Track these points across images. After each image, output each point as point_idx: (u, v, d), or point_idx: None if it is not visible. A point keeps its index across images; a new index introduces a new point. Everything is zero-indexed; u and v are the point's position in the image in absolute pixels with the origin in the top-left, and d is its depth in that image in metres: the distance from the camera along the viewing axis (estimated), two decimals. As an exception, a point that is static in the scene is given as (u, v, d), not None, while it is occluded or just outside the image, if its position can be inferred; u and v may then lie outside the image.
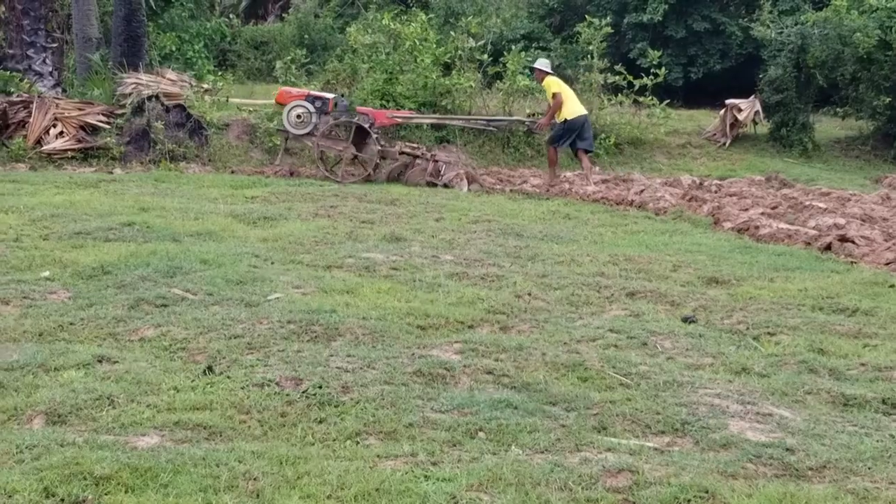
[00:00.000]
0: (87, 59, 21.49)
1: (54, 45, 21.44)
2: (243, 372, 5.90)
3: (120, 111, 17.75)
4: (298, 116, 16.34)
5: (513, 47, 21.82)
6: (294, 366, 5.98)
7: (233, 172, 16.57)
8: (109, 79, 19.24)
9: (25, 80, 19.51)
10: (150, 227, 10.31)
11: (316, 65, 22.11)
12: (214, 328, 6.83)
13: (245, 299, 7.57)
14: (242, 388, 5.62)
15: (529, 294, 8.23)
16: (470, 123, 18.37)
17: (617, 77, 20.42)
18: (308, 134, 16.45)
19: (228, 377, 5.81)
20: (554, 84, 16.44)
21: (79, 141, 17.16)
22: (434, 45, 19.68)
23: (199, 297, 7.66)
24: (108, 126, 17.51)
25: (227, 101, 19.95)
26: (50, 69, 20.98)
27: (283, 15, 36.78)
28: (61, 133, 17.11)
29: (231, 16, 33.00)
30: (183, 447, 4.77)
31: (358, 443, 4.98)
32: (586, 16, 22.38)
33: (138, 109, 17.50)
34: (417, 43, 19.48)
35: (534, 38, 30.07)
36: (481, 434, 5.11)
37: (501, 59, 20.30)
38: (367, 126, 16.14)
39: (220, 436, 5.02)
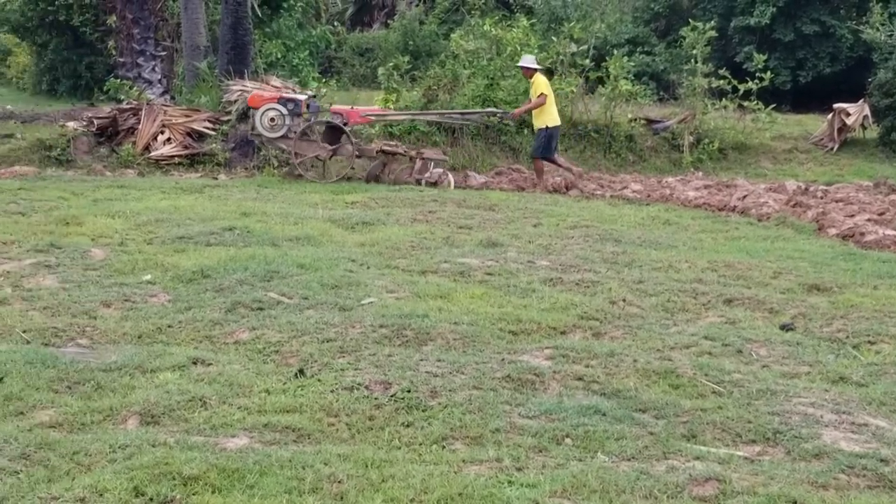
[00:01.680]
0: (194, 66, 21.93)
1: (163, 53, 21.93)
2: (334, 375, 5.95)
3: (225, 118, 18.06)
4: (272, 119, 16.24)
5: (616, 52, 21.66)
6: (384, 370, 6.01)
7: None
8: (216, 86, 19.59)
9: (135, 88, 19.98)
10: (250, 232, 10.46)
11: (420, 71, 22.18)
12: (308, 332, 6.90)
13: (339, 303, 7.64)
14: (332, 391, 5.67)
15: (624, 300, 8.16)
16: (444, 118, 18.16)
17: (721, 81, 20.12)
18: (282, 137, 16.35)
19: (319, 380, 5.87)
20: (543, 84, 16.53)
21: (185, 147, 17.50)
22: (536, 51, 19.61)
23: (294, 300, 7.75)
24: (213, 132, 17.82)
25: (331, 107, 20.11)
26: (159, 77, 21.48)
27: (389, 22, 37.07)
28: (169, 139, 17.47)
29: (337, 23, 33.36)
30: (271, 449, 4.83)
31: (444, 447, 4.99)
32: (691, 20, 22.11)
33: (243, 116, 17.76)
34: (519, 48, 19.42)
35: (638, 43, 29.86)
36: (568, 440, 5.08)
37: (604, 63, 20.14)
38: (341, 125, 16.18)
39: (308, 438, 5.07)
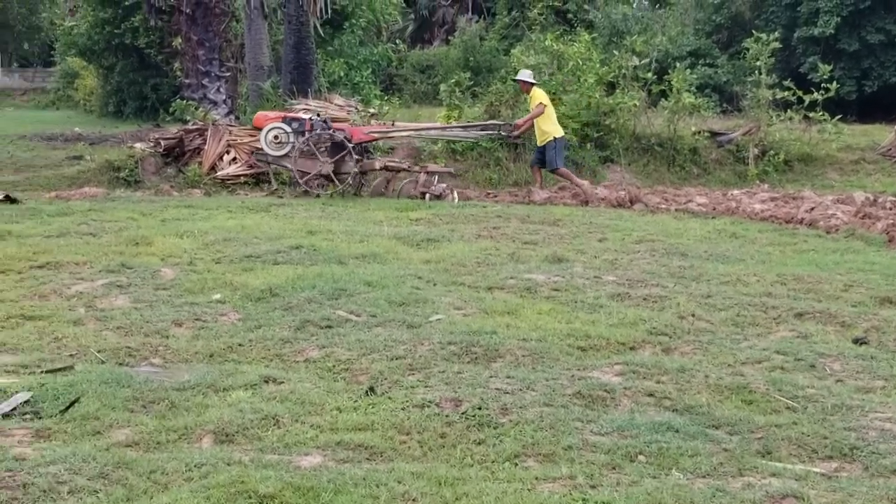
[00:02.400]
0: (258, 86, 22.18)
1: (227, 74, 22.17)
2: (404, 393, 5.96)
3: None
4: (276, 138, 16.34)
5: (678, 65, 21.56)
6: (454, 387, 6.02)
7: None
8: (280, 105, 19.77)
9: (200, 109, 20.20)
10: (316, 250, 10.53)
11: (480, 87, 22.25)
12: (377, 349, 6.93)
13: (407, 321, 7.66)
14: (403, 408, 5.69)
15: (693, 315, 8.09)
16: (447, 134, 18.13)
17: (786, 93, 19.93)
18: (286, 155, 16.45)
19: (390, 398, 5.89)
20: (541, 95, 16.79)
21: (250, 167, 17.67)
22: (597, 65, 19.58)
23: (362, 318, 7.78)
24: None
25: (393, 124, 20.22)
26: (224, 97, 21.69)
27: (449, 38, 37.23)
28: (234, 159, 17.65)
29: (398, 41, 33.54)
30: (344, 467, 4.85)
31: (516, 465, 4.98)
32: (754, 31, 21.95)
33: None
34: (581, 63, 19.41)
35: (700, 55, 29.71)
36: (641, 457, 5.05)
37: (666, 76, 20.05)
38: (345, 142, 16.25)
39: (381, 456, 5.08)
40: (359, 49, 26.86)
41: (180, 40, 23.67)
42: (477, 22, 38.43)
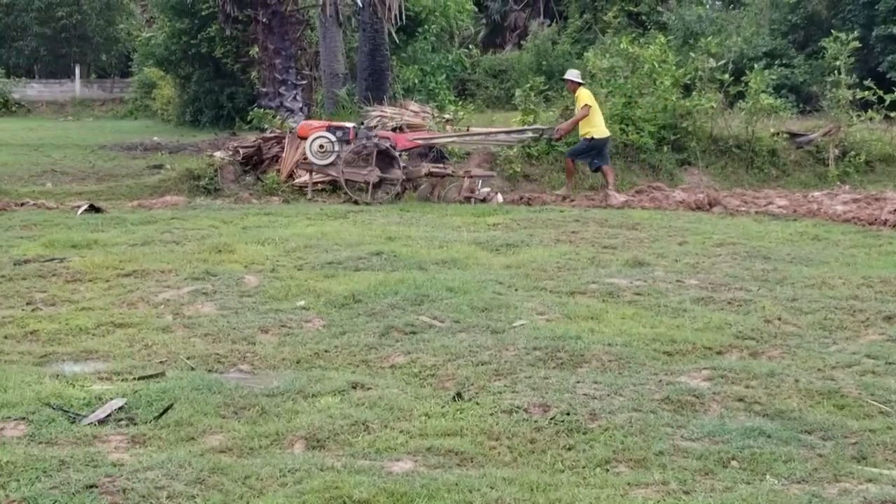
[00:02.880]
0: (334, 94, 22.34)
1: (303, 82, 22.37)
2: (492, 398, 5.98)
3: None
4: (321, 147, 16.37)
5: (755, 65, 21.34)
6: (541, 392, 6.01)
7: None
8: (355, 112, 19.93)
9: (278, 117, 20.43)
10: (397, 256, 10.58)
11: (553, 91, 22.21)
12: (462, 355, 6.95)
13: (490, 326, 7.67)
14: (491, 414, 5.70)
15: (779, 318, 8.01)
16: (489, 140, 18.06)
17: (866, 92, 19.62)
18: (331, 164, 16.50)
19: (477, 403, 5.90)
20: (587, 97, 16.77)
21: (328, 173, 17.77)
22: (673, 67, 19.45)
23: (446, 324, 7.81)
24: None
25: (468, 129, 20.27)
26: (300, 105, 21.91)
27: (521, 43, 37.22)
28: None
29: (471, 46, 33.58)
30: (436, 472, 4.87)
31: (608, 470, 4.97)
32: (832, 30, 21.66)
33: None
34: (656, 65, 19.29)
35: (776, 55, 29.37)
36: (734, 463, 5.01)
37: (743, 78, 19.85)
38: (390, 149, 16.29)
39: (472, 461, 5.10)
40: (432, 55, 26.95)
41: (257, 49, 23.95)
42: (549, 26, 38.33)
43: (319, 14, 22.63)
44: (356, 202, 16.06)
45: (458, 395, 6.07)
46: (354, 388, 6.28)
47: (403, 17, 21.72)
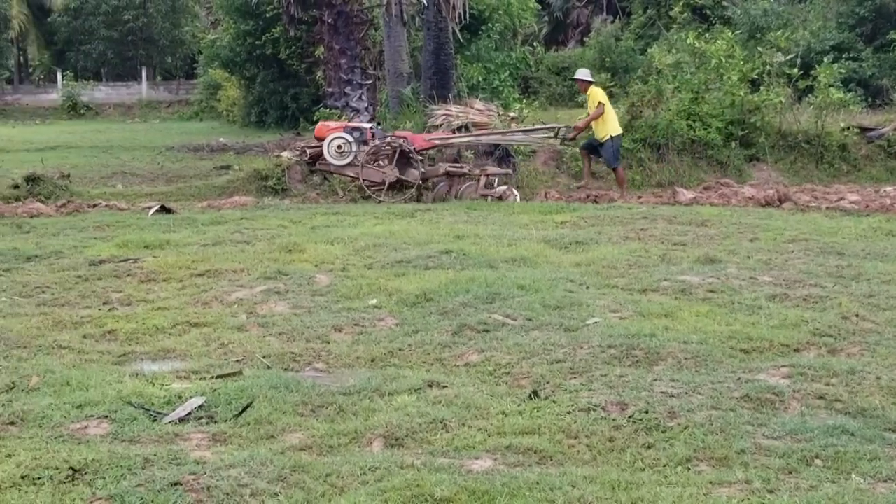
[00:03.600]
0: (398, 93, 22.38)
1: (368, 81, 22.45)
2: (568, 397, 5.95)
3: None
4: (339, 147, 16.37)
5: (823, 59, 21.07)
6: (618, 390, 5.98)
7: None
8: (420, 111, 19.95)
9: (343, 117, 20.50)
10: (466, 255, 10.58)
11: (617, 87, 22.10)
12: (536, 353, 6.93)
13: (564, 324, 7.64)
14: (569, 412, 5.67)
15: (856, 315, 7.89)
16: (507, 139, 17.95)
17: (939, 84, 19.33)
18: (349, 164, 16.48)
19: (554, 402, 5.88)
20: (600, 95, 16.90)
21: (394, 172, 17.83)
22: (741, 62, 19.26)
23: (518, 322, 7.80)
24: (420, 157, 18.09)
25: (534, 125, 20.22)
26: (365, 105, 21.97)
27: (584, 40, 37.06)
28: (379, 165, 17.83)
29: (534, 44, 33.50)
30: (516, 471, 4.86)
31: (689, 469, 4.93)
32: (902, 22, 21.34)
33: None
34: (723, 60, 19.13)
35: (844, 49, 28.96)
36: (818, 461, 4.94)
37: (811, 72, 19.61)
38: (407, 149, 16.31)
39: (551, 460, 5.08)
40: (496, 53, 26.92)
41: (322, 50, 24.06)
42: (612, 22, 38.17)
43: (384, 14, 22.68)
44: (373, 199, 16.12)
45: (535, 393, 6.05)
46: (430, 386, 6.29)
47: (467, 16, 21.72)
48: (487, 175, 16.71)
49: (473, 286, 8.84)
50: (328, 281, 9.56)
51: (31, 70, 58.81)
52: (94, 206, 16.25)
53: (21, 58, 57.66)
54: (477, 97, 20.90)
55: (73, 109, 46.19)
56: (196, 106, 45.23)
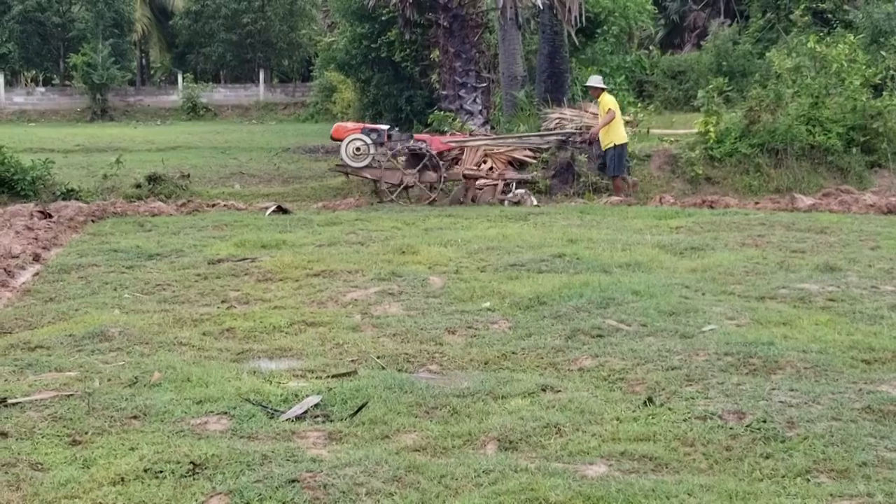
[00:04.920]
0: (512, 96, 22.38)
1: (483, 84, 22.45)
2: (684, 404, 5.88)
3: (545, 146, 18.30)
4: (357, 150, 16.30)
5: (950, 64, 20.47)
6: (735, 399, 5.89)
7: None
8: (534, 115, 19.94)
9: (457, 119, 20.58)
10: (579, 259, 10.54)
11: (734, 91, 21.78)
12: (651, 359, 6.87)
13: (679, 330, 7.56)
14: (685, 420, 5.61)
15: None
16: (523, 143, 17.66)
17: None
18: (367, 166, 16.38)
19: (670, 409, 5.82)
20: (611, 101, 17.00)
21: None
22: (863, 66, 18.82)
23: (633, 327, 7.73)
24: (534, 161, 18.10)
25: (648, 132, 20.06)
26: (479, 108, 21.98)
27: (700, 43, 36.61)
28: (491, 168, 17.87)
29: (650, 47, 33.20)
30: (631, 478, 4.82)
31: (808, 480, 4.83)
32: None
33: (563, 143, 17.96)
34: (845, 64, 18.72)
35: (972, 52, 28.09)
36: (944, 477, 4.81)
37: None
38: (424, 152, 16.30)
39: (666, 468, 5.03)
40: (611, 57, 26.75)
41: (437, 53, 24.16)
42: (729, 25, 37.59)
43: (499, 17, 22.66)
44: (382, 201, 16.15)
45: (650, 399, 6.00)
46: (544, 390, 6.28)
47: (583, 19, 21.62)
48: (506, 180, 16.75)
49: (587, 290, 8.80)
50: (441, 283, 9.61)
51: (152, 72, 60.20)
52: (213, 205, 16.58)
53: (143, 60, 59.02)
54: (591, 101, 20.79)
55: (193, 111, 47.15)
56: (311, 108, 45.76)
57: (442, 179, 16.55)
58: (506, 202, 16.39)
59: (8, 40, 48.11)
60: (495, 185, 16.72)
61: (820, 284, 9.21)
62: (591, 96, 18.42)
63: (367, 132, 16.77)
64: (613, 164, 16.95)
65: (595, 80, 17.47)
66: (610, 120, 16.78)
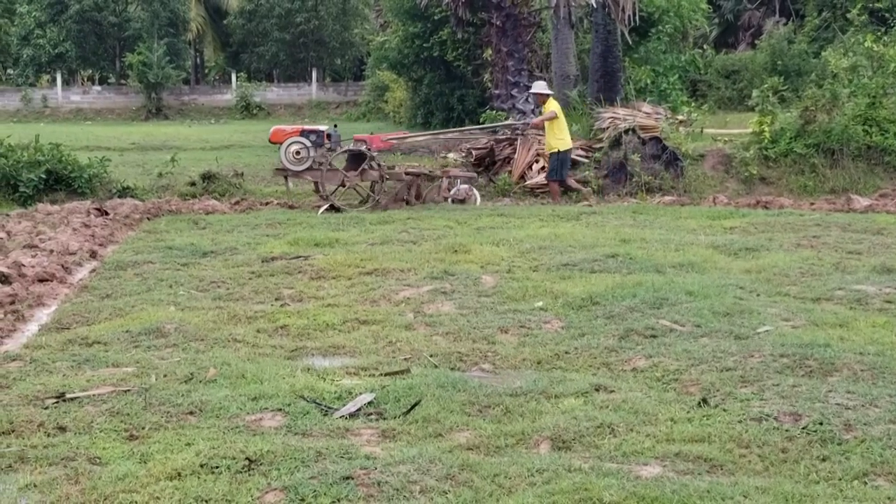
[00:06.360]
0: (565, 95, 22.32)
1: (535, 84, 22.42)
2: (739, 405, 5.84)
3: (597, 145, 18.25)
4: (297, 153, 16.06)
5: None
6: (791, 401, 5.84)
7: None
8: (587, 114, 19.86)
9: (510, 119, 20.57)
10: (632, 259, 10.49)
11: (789, 91, 21.57)
12: (705, 360, 6.83)
13: (733, 331, 7.51)
14: (740, 421, 5.57)
15: None
16: (465, 135, 17.45)
17: None
18: (308, 169, 16.19)
19: (724, 410, 5.78)
20: (555, 106, 16.94)
21: (559, 175, 17.79)
22: (920, 67, 18.59)
23: (686, 328, 7.69)
24: (586, 160, 18.04)
25: (702, 131, 19.93)
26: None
27: (755, 42, 36.31)
28: (543, 168, 17.84)
29: (704, 46, 32.98)
30: (686, 479, 4.80)
31: (866, 483, 4.78)
32: None
33: (615, 143, 17.90)
34: (904, 64, 18.49)
35: None
36: None
37: None
38: (365, 152, 16.13)
39: (721, 469, 5.00)
40: (665, 56, 26.59)
41: (489, 52, 24.18)
42: (785, 24, 37.24)
43: (552, 16, 22.66)
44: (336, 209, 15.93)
45: (704, 400, 5.96)
46: (597, 390, 6.26)
47: (636, 18, 21.52)
48: (450, 177, 16.79)
49: (640, 290, 8.76)
50: (494, 282, 9.61)
51: (206, 71, 60.59)
52: (266, 203, 16.70)
53: (198, 59, 59.47)
54: (644, 100, 20.71)
55: (246, 109, 47.41)
56: (363, 107, 45.87)
57: (383, 179, 16.33)
58: (449, 199, 16.39)
59: (65, 40, 48.61)
60: (440, 184, 16.63)
61: (877, 286, 9.11)
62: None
63: (307, 134, 16.57)
64: (553, 169, 16.98)
65: (540, 87, 17.45)
66: (549, 118, 16.79)
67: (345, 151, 16.45)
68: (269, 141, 17.36)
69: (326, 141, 16.51)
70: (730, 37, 43.82)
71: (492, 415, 5.87)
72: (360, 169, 16.21)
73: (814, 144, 17.59)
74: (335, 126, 17.71)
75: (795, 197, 16.96)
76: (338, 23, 51.12)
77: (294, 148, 16.32)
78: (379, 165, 16.40)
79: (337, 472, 4.77)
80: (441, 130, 18.36)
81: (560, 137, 16.87)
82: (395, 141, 17.88)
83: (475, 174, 17.69)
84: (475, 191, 16.86)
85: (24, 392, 6.18)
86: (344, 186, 16.45)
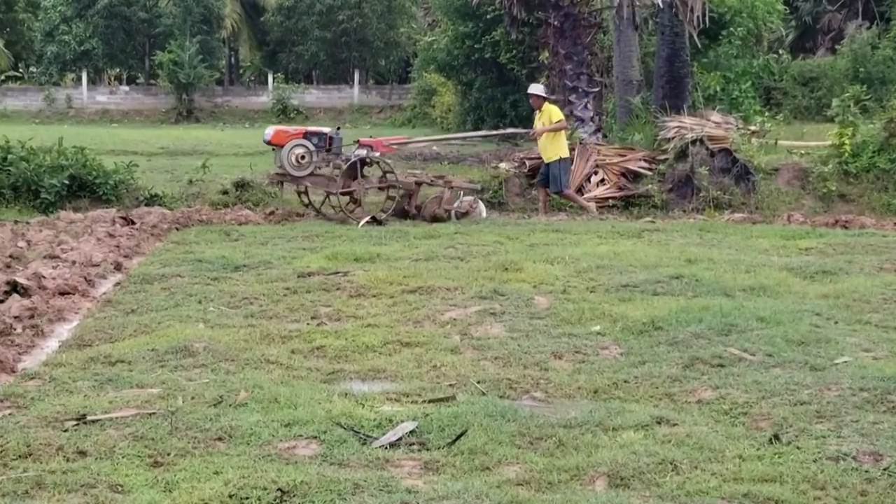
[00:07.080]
0: (627, 102, 22.29)
1: (595, 89, 22.42)
2: (814, 443, 5.79)
3: (662, 157, 18.20)
4: (301, 157, 15.95)
5: None
6: (871, 439, 5.79)
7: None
8: (651, 122, 19.82)
9: (567, 126, 20.54)
10: (698, 281, 10.44)
11: (872, 100, 21.43)
12: (777, 392, 6.77)
13: (809, 362, 7.45)
14: (815, 460, 5.52)
15: None
16: (467, 140, 17.26)
17: None
18: (310, 174, 16.14)
19: (798, 447, 5.73)
20: (556, 112, 16.96)
21: (620, 188, 17.82)
22: None
23: (757, 357, 7.64)
24: (649, 172, 18.00)
25: (776, 143, 19.82)
26: (591, 114, 21.93)
27: (835, 47, 36.10)
28: (602, 180, 17.86)
29: (779, 51, 32.82)
30: (755, 522, 4.76)
31: (953, 532, 4.72)
32: None
33: (681, 155, 17.85)
34: None
35: None
36: None
37: None
38: (367, 158, 16.28)
39: (794, 512, 4.96)
40: (736, 61, 26.47)
41: (546, 54, 24.19)
42: (868, 28, 37.03)
43: (614, 17, 22.63)
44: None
45: (776, 437, 5.92)
46: (659, 423, 6.23)
47: (706, 19, 21.44)
48: (452, 188, 16.67)
49: (707, 315, 8.71)
50: (547, 303, 9.60)
51: (241, 71, 61.03)
52: (303, 214, 16.76)
53: (232, 59, 59.89)
54: (714, 108, 20.62)
55: (283, 113, 47.58)
56: (409, 112, 45.93)
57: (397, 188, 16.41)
58: (452, 213, 16.31)
59: (92, 36, 49.04)
60: (441, 195, 16.57)
61: (967, 315, 9.01)
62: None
63: (310, 136, 16.49)
64: (560, 179, 16.96)
65: (537, 89, 17.43)
66: (560, 128, 16.87)
67: (361, 159, 16.47)
68: (268, 143, 17.07)
69: (329, 143, 16.54)
70: (808, 41, 43.62)
71: (544, 448, 5.85)
72: (380, 177, 16.35)
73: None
74: (338, 129, 17.70)
75: (878, 216, 16.83)
76: (383, 21, 51.23)
77: (298, 151, 16.30)
78: (392, 172, 16.51)
79: (376, 507, 4.78)
80: (444, 136, 18.37)
81: (563, 143, 17.00)
82: (395, 146, 17.89)
83: (479, 186, 17.68)
84: (480, 203, 16.84)
85: (43, 413, 6.24)
86: (356, 200, 16.45)
